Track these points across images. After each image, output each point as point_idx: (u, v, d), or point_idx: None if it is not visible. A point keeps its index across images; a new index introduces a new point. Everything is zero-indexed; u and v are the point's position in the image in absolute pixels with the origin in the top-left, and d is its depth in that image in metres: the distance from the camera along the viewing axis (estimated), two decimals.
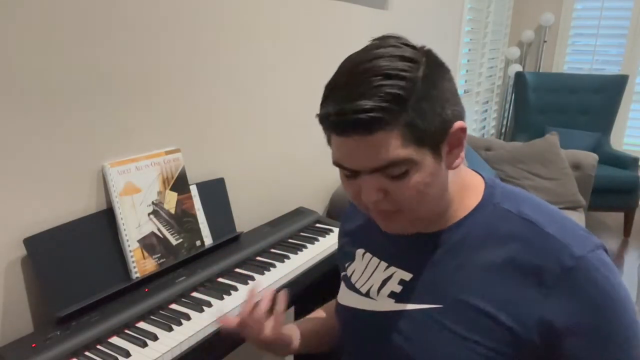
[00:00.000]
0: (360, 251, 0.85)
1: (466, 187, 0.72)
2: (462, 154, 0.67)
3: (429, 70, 0.61)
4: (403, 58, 0.60)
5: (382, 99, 0.57)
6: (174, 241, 1.28)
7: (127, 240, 1.17)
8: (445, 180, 0.67)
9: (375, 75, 0.58)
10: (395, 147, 0.59)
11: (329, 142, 0.67)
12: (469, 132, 3.68)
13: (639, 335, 0.63)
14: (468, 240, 0.69)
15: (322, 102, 0.63)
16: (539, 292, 0.63)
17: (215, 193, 1.44)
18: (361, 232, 0.86)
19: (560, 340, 0.62)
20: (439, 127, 0.62)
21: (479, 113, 3.98)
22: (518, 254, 0.65)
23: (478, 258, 0.68)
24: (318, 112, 0.64)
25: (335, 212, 2.03)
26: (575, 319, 0.62)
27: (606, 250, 0.67)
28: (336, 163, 0.66)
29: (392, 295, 0.74)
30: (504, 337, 0.64)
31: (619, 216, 3.54)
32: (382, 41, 0.64)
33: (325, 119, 0.62)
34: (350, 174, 0.65)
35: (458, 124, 0.64)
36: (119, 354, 0.94)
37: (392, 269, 0.76)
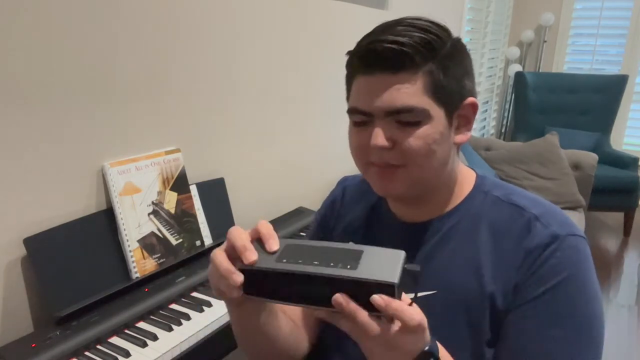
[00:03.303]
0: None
1: (460, 178, 0.75)
2: (469, 134, 0.70)
3: (457, 44, 0.67)
4: (438, 25, 0.65)
5: (415, 40, 0.62)
6: (173, 241, 1.28)
7: (127, 240, 1.17)
8: (450, 153, 0.69)
9: (412, 26, 0.63)
10: (415, 93, 0.62)
11: (349, 92, 0.69)
12: None
13: (592, 328, 0.64)
14: (460, 227, 0.72)
15: (355, 45, 0.66)
16: (518, 264, 0.65)
17: (215, 193, 1.44)
18: (351, 225, 0.84)
19: (520, 306, 0.64)
20: (457, 93, 0.66)
21: (479, 113, 3.98)
22: (504, 234, 0.68)
23: (469, 243, 0.70)
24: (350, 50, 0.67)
25: None
26: (540, 289, 0.64)
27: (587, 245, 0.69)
28: (352, 108, 0.67)
29: None
30: (490, 314, 0.66)
31: (619, 216, 3.54)
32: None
33: (355, 53, 0.65)
34: (363, 119, 0.66)
35: (472, 99, 0.68)
36: (119, 354, 0.94)
37: None
